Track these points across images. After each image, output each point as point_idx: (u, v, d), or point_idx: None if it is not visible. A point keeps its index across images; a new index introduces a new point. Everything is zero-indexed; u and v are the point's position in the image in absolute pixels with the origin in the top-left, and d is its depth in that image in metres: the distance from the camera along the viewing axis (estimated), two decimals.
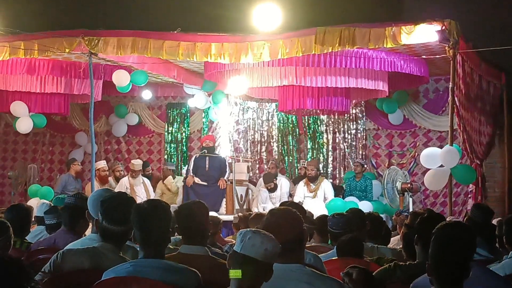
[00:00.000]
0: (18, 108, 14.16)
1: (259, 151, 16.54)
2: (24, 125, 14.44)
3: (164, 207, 4.29)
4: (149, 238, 4.17)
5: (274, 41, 10.97)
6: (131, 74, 13.35)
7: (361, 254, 5.93)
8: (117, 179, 14.38)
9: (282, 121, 16.40)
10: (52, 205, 7.67)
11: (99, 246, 4.51)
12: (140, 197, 13.60)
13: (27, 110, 14.26)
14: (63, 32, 11.61)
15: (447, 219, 5.73)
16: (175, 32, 11.49)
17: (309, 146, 16.23)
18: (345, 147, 15.96)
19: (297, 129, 16.29)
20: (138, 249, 4.78)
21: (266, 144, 16.53)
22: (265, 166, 16.13)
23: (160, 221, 4.18)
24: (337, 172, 16.04)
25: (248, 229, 3.74)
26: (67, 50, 11.48)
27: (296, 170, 16.09)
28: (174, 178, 15.06)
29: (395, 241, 8.31)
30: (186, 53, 11.21)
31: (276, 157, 16.28)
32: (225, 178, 13.54)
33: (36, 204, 12.37)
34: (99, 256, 4.45)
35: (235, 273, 3.58)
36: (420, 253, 4.74)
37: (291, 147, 16.39)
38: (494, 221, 6.93)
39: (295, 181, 14.81)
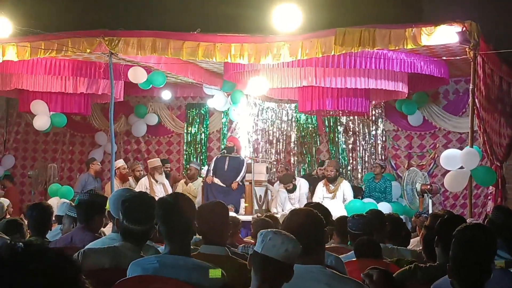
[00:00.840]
0: (38, 106, 14.23)
1: (278, 151, 16.54)
2: (41, 122, 14.50)
3: (188, 200, 4.33)
4: (174, 231, 4.19)
5: (294, 41, 10.96)
6: (149, 74, 13.39)
7: (380, 255, 5.93)
8: (137, 179, 14.40)
9: (301, 122, 16.40)
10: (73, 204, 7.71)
11: (119, 245, 4.53)
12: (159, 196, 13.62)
13: (47, 109, 14.32)
14: (83, 33, 11.67)
15: (467, 221, 5.71)
16: (195, 32, 11.51)
17: (328, 147, 16.21)
18: (365, 148, 15.94)
19: (316, 130, 16.28)
20: (158, 249, 4.81)
21: (285, 144, 16.54)
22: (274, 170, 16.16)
23: (185, 214, 4.20)
24: (357, 173, 16.02)
25: (268, 229, 3.75)
26: (87, 50, 11.53)
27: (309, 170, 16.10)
28: (195, 179, 14.96)
29: (414, 243, 8.29)
30: (205, 53, 11.22)
31: (297, 158, 16.32)
32: (239, 179, 13.59)
33: (56, 204, 12.48)
34: (120, 256, 4.47)
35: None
36: (440, 254, 4.73)
37: (310, 148, 16.38)
38: None
39: (312, 182, 14.76)
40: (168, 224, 4.19)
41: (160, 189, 14.11)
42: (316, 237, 4.09)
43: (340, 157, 16.05)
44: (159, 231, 4.22)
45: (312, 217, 4.16)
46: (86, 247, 4.77)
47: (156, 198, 11.80)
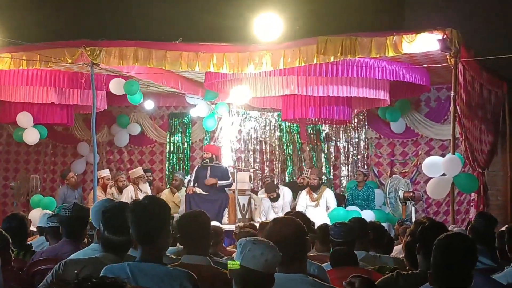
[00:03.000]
0: (24, 118, 14.16)
1: (261, 160, 16.54)
2: (31, 136, 14.45)
3: (162, 203, 4.24)
4: (146, 234, 4.06)
5: (276, 50, 10.97)
6: (124, 84, 13.29)
7: (356, 262, 5.93)
8: (120, 189, 14.36)
9: (284, 130, 16.42)
10: (53, 214, 7.66)
11: (100, 256, 4.50)
12: None
13: (32, 121, 14.26)
14: (65, 43, 11.66)
15: (450, 228, 5.72)
16: (177, 42, 11.51)
17: (311, 155, 16.22)
18: (347, 156, 15.96)
19: (299, 138, 16.29)
20: None
21: (268, 153, 16.54)
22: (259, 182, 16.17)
23: (158, 216, 4.12)
24: (339, 181, 16.04)
25: (247, 238, 3.75)
26: (69, 61, 11.50)
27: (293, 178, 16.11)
28: (180, 188, 14.91)
29: (397, 250, 8.31)
30: (188, 63, 11.22)
31: (280, 166, 16.34)
32: (224, 183, 13.53)
33: (39, 215, 12.43)
34: (101, 266, 4.44)
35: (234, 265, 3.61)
36: (422, 262, 4.73)
37: (293, 156, 16.39)
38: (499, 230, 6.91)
39: (295, 190, 14.74)
40: (139, 227, 4.08)
41: None
42: (298, 246, 4.09)
43: (323, 165, 16.06)
44: (131, 235, 4.15)
45: (294, 226, 4.17)
46: (68, 258, 4.74)
47: None
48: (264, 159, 16.55)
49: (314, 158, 16.17)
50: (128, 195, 13.90)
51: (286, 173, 16.44)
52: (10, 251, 5.60)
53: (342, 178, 16.02)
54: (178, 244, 5.50)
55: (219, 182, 13.53)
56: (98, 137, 15.67)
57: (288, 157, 16.42)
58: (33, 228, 11.87)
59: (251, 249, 3.60)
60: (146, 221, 4.07)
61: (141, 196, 13.89)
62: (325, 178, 15.67)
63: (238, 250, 3.66)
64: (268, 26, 10.39)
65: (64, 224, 5.94)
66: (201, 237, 4.82)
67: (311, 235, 6.16)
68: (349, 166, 15.97)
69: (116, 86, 13.09)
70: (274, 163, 16.54)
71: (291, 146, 16.42)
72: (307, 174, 14.59)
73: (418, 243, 4.73)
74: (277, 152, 16.50)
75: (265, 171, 16.33)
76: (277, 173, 16.41)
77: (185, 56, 11.23)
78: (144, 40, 11.59)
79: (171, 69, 12.17)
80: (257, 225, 9.75)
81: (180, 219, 4.89)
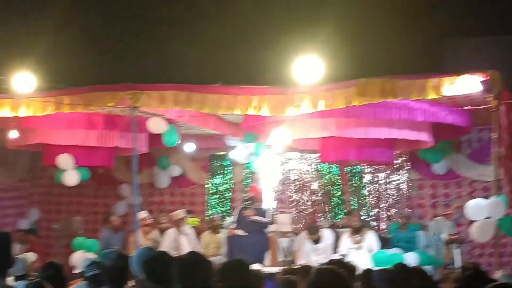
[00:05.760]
0: (65, 161, 14.28)
1: (302, 202, 16.46)
2: (71, 178, 14.56)
3: (205, 260, 4.27)
4: None
5: (316, 93, 10.95)
6: (164, 133, 13.37)
7: None
8: (162, 231, 14.38)
9: (325, 172, 16.35)
10: (93, 260, 7.66)
11: None
12: (185, 249, 13.61)
13: (73, 162, 14.38)
14: (106, 87, 11.78)
15: (497, 274, 5.60)
16: (217, 85, 11.56)
17: (352, 197, 16.12)
18: (389, 197, 15.82)
19: (339, 180, 16.22)
20: None
21: (309, 195, 16.46)
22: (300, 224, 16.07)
23: (201, 273, 4.14)
24: (382, 223, 15.88)
25: None
26: (110, 104, 11.60)
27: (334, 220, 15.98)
28: (219, 230, 14.88)
29: None
30: (227, 106, 11.25)
31: (320, 208, 16.24)
32: (262, 219, 13.47)
33: (82, 257, 12.50)
34: None
35: None
36: None
37: (334, 198, 16.30)
38: None
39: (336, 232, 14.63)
40: (184, 283, 4.12)
41: (186, 240, 14.07)
42: None
43: (365, 207, 15.93)
44: None
45: (337, 277, 4.12)
46: None
47: (182, 249, 11.85)
48: (305, 201, 16.48)
49: (355, 200, 16.06)
50: (170, 237, 13.91)
51: (327, 215, 16.32)
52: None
53: (384, 220, 15.86)
54: None
55: (256, 217, 13.48)
56: (139, 179, 15.74)
57: (329, 199, 16.32)
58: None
59: None
60: (191, 279, 4.08)
61: (182, 238, 13.92)
62: (367, 220, 15.52)
63: None
64: (308, 69, 10.37)
65: (108, 272, 5.93)
66: (242, 287, 4.79)
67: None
68: (391, 208, 15.82)
69: (154, 125, 13.07)
70: (315, 205, 16.44)
71: (331, 187, 16.33)
72: (349, 216, 14.46)
73: None
74: (318, 194, 16.41)
75: (306, 213, 16.23)
76: (318, 215, 16.30)
77: (225, 99, 11.26)
78: (184, 83, 11.66)
79: (210, 112, 12.19)
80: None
81: (221, 268, 4.86)
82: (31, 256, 12.20)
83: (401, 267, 7.12)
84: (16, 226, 16.52)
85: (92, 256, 11.32)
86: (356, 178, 16.10)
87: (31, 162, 17.23)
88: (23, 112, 11.83)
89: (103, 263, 6.03)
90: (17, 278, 6.75)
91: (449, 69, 11.36)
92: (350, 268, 6.03)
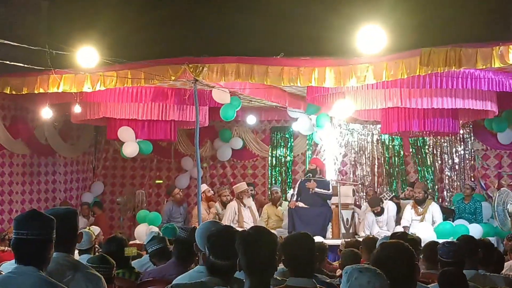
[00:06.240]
0: (125, 133, 14.43)
1: (364, 173, 16.36)
2: (130, 149, 14.70)
3: (269, 233, 4.24)
4: (254, 266, 4.12)
5: (378, 63, 10.80)
6: (222, 108, 13.35)
7: (466, 284, 5.72)
8: (224, 204, 14.46)
9: (387, 143, 16.21)
10: (154, 235, 7.72)
11: (207, 280, 4.49)
12: (247, 222, 13.68)
13: (134, 135, 14.51)
14: (168, 60, 11.83)
15: None
16: (278, 57, 11.50)
17: (415, 168, 15.95)
18: (453, 168, 15.62)
19: (402, 151, 16.05)
20: (244, 280, 4.74)
21: (371, 166, 16.35)
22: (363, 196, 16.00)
23: (265, 247, 4.13)
24: (445, 194, 15.70)
25: (353, 266, 3.65)
26: (172, 78, 11.66)
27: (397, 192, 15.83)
28: (281, 203, 14.88)
29: (507, 267, 8.06)
30: (289, 78, 11.18)
31: (382, 180, 16.11)
32: (323, 192, 13.41)
33: (146, 231, 12.63)
34: None
35: None
36: None
37: (396, 169, 16.16)
38: None
39: (398, 204, 14.51)
40: (248, 258, 4.11)
41: (248, 213, 14.13)
42: (407, 272, 3.98)
43: (428, 178, 15.75)
44: (239, 265, 4.17)
45: (403, 251, 4.05)
46: (174, 281, 4.76)
47: (243, 224, 11.89)
48: (367, 173, 16.37)
49: (419, 171, 15.89)
50: (232, 210, 14.00)
51: (390, 186, 16.19)
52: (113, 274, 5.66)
53: (448, 191, 15.67)
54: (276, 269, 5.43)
55: (318, 189, 13.41)
56: (201, 152, 15.83)
57: (392, 171, 16.19)
58: (139, 242, 12.12)
59: (357, 277, 3.52)
60: (255, 253, 4.07)
61: (244, 211, 13.97)
62: (430, 191, 15.34)
63: (344, 278, 3.58)
64: (371, 39, 10.20)
65: (179, 245, 5.97)
66: (306, 260, 4.75)
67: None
68: (455, 178, 15.61)
69: (219, 96, 13.02)
70: (377, 176, 16.32)
71: (394, 159, 16.18)
72: (412, 187, 14.33)
73: None
74: (380, 166, 16.29)
75: (368, 185, 16.12)
76: (380, 186, 16.18)
77: (287, 71, 11.20)
78: (246, 55, 11.63)
79: (272, 84, 12.13)
80: (361, 239, 9.64)
81: (284, 241, 4.84)
82: (95, 230, 12.37)
83: (467, 239, 7.01)
84: (81, 200, 16.81)
85: (155, 229, 11.40)
86: (419, 149, 15.90)
87: (95, 137, 17.47)
88: (87, 87, 11.97)
89: (178, 235, 6.06)
90: (81, 252, 6.82)
91: None
92: (415, 241, 5.93)
